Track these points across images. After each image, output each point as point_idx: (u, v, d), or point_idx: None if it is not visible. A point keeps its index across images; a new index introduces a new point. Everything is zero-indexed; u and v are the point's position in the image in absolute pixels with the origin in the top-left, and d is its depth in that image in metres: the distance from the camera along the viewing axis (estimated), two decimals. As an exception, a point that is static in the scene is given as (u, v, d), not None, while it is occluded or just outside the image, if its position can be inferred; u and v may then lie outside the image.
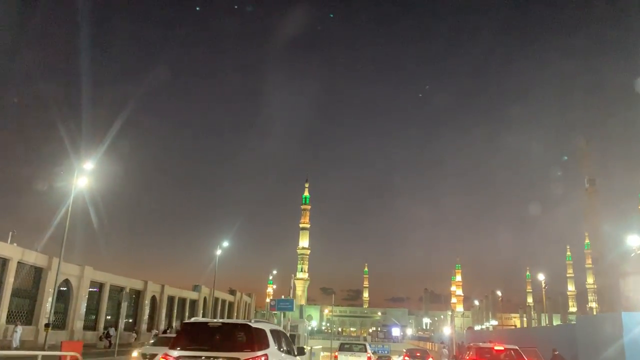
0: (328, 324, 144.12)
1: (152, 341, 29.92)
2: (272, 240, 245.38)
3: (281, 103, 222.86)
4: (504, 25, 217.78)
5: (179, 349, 8.82)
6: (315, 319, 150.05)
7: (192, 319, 11.01)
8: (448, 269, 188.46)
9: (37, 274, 31.26)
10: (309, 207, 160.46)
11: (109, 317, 39.57)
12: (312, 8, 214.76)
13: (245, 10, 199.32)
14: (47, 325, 27.17)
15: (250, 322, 9.52)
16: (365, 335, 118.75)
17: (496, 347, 19.04)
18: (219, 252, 50.21)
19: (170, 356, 8.74)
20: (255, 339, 8.94)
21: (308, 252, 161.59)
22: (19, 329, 27.36)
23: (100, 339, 34.44)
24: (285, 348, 10.52)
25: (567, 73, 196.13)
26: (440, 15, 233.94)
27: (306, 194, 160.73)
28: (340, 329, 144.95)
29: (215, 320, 10.58)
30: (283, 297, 21.76)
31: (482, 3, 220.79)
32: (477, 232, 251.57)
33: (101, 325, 37.35)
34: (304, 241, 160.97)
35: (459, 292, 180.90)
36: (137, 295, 43.30)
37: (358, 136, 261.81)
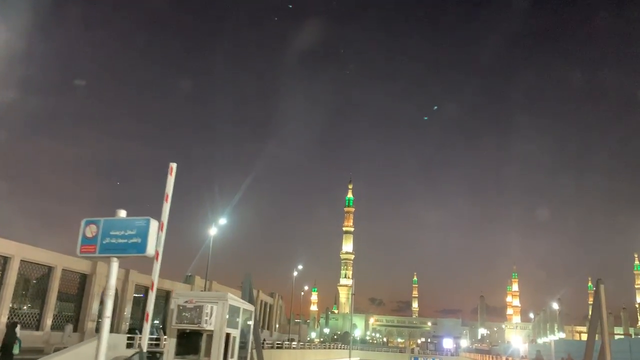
0: (373, 334, 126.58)
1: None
2: (312, 248, 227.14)
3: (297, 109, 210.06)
4: (511, 37, 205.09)
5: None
6: (359, 328, 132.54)
7: None
8: (503, 279, 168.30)
9: None
10: (352, 209, 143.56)
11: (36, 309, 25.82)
12: (328, 21, 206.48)
13: (265, 22, 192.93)
14: None
15: None
16: (413, 346, 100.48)
17: None
18: (213, 231, 35.69)
19: None
20: None
21: (352, 257, 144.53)
22: None
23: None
24: None
25: (571, 83, 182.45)
26: (449, 29, 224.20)
27: (349, 195, 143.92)
28: (386, 339, 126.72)
29: None
30: (121, 214, 6.19)
31: (490, 17, 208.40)
32: (531, 241, 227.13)
33: (3, 319, 23.26)
34: (347, 245, 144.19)
35: (516, 302, 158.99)
36: (83, 281, 29.12)
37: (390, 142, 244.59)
